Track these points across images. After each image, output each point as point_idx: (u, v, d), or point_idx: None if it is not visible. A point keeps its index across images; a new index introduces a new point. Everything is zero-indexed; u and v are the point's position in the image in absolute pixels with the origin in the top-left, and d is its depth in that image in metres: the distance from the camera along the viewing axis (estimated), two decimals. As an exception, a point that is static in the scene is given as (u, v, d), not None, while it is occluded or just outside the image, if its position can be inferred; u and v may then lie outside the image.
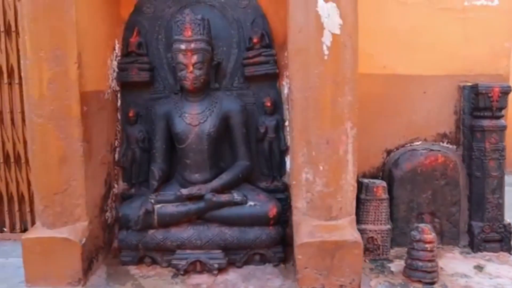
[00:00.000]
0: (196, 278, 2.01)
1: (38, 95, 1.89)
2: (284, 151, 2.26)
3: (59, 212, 1.95)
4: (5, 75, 2.46)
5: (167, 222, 2.05)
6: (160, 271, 2.09)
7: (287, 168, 2.29)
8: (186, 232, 2.05)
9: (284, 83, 2.28)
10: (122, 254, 2.12)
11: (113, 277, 2.04)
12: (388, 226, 2.22)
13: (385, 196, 2.22)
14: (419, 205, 2.32)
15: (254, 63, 2.21)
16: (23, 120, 2.45)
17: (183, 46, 2.03)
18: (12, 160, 2.51)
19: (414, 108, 2.40)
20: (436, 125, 2.41)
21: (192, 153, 2.12)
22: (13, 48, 2.43)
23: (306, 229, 1.89)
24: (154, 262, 2.12)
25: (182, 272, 2.02)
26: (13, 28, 2.40)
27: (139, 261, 2.12)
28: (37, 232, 1.97)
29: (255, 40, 2.20)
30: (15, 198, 2.54)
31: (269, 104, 2.23)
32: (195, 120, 2.12)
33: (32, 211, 2.51)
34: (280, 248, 2.10)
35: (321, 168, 1.87)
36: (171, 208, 2.05)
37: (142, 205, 2.04)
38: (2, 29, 2.38)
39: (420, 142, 2.43)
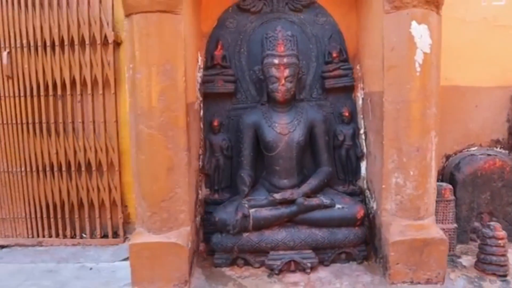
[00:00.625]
0: (291, 277, 2.16)
1: (148, 106, 1.99)
2: (359, 158, 2.46)
3: (166, 218, 2.06)
4: (100, 86, 2.52)
5: (261, 225, 2.19)
6: (254, 271, 2.23)
7: (362, 173, 2.48)
8: (279, 234, 2.20)
9: (358, 94, 2.46)
10: (215, 257, 2.25)
11: (211, 278, 2.16)
12: (455, 225, 2.43)
13: (451, 197, 2.43)
14: (478, 205, 2.55)
15: (334, 76, 2.39)
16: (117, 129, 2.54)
17: (276, 61, 2.19)
18: (93, 168, 2.57)
19: (471, 117, 2.65)
20: (490, 132, 2.66)
21: (282, 160, 2.28)
22: (109, 61, 2.51)
23: (397, 229, 2.07)
24: (246, 263, 2.25)
25: (277, 272, 2.17)
26: (110, 41, 2.48)
27: (232, 263, 2.25)
28: (144, 237, 2.06)
29: (334, 54, 2.38)
30: (96, 205, 2.61)
31: (347, 114, 2.41)
32: (284, 129, 2.27)
33: (112, 217, 2.61)
34: (363, 246, 2.27)
35: (411, 173, 2.06)
36: (265, 212, 2.20)
37: (238, 210, 2.17)
38: (99, 41, 2.46)
39: (476, 148, 2.67)
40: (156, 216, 2.05)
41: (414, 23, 1.98)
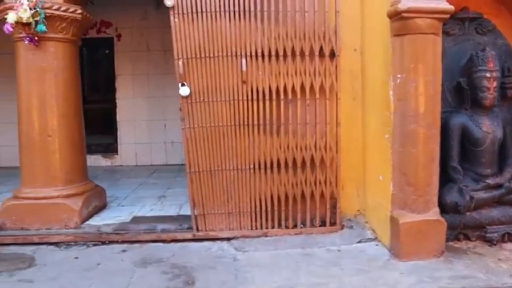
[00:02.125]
0: (508, 246, 2.72)
1: (417, 110, 2.45)
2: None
3: (427, 200, 2.51)
4: (324, 92, 2.83)
5: (479, 205, 2.73)
6: (473, 244, 2.74)
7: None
8: (492, 212, 2.75)
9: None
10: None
11: (447, 250, 2.62)
12: None
13: None
14: None
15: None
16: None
17: (488, 75, 2.75)
18: (317, 164, 2.85)
19: None
20: None
21: (487, 154, 2.83)
22: (330, 70, 2.80)
23: None
24: (465, 237, 2.76)
25: (494, 243, 2.71)
26: (337, 53, 2.81)
27: (454, 238, 2.75)
28: (410, 217, 2.49)
29: (512, 70, 3.03)
30: (317, 197, 2.88)
31: (522, 117, 3.06)
32: (489, 128, 2.83)
33: (326, 208, 2.90)
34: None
35: None
36: (482, 195, 2.73)
37: (464, 194, 2.67)
38: (327, 54, 2.80)
39: None
40: (421, 199, 2.50)
41: None
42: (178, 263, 2.55)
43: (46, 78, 3.00)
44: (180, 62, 2.76)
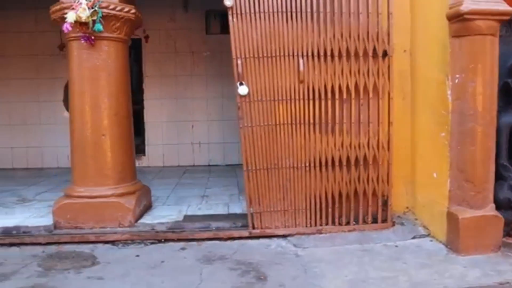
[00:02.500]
0: (557, 240, 2.81)
1: (476, 109, 2.53)
2: None
3: (485, 196, 2.59)
4: (377, 92, 2.89)
5: (530, 202, 2.83)
6: (525, 239, 2.85)
7: None
8: (541, 209, 2.84)
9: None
10: (495, 229, 2.80)
11: (502, 245, 2.68)
12: None
13: None
14: None
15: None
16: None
17: (537, 75, 2.87)
18: (370, 162, 2.91)
19: None
20: None
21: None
22: (383, 70, 2.87)
23: None
24: (516, 233, 2.86)
25: (545, 237, 2.81)
26: (389, 54, 2.88)
27: (506, 234, 2.80)
28: (469, 213, 2.56)
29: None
30: (369, 195, 2.94)
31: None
32: (534, 127, 2.95)
33: (377, 205, 2.96)
34: None
35: None
36: (532, 191, 2.83)
37: (515, 190, 2.77)
38: (380, 54, 2.87)
39: None
40: (479, 195, 2.57)
41: None
42: (242, 260, 2.58)
43: (100, 77, 3.01)
44: (239, 62, 2.81)
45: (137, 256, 2.69)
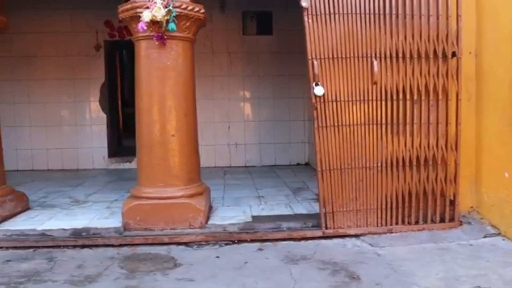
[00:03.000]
0: None
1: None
2: None
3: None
4: (449, 93, 2.93)
5: None
6: None
7: None
8: None
9: None
10: None
11: None
12: None
13: None
14: None
15: None
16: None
17: None
18: (439, 162, 2.95)
19: None
20: None
21: None
22: (451, 72, 2.92)
23: None
24: None
25: None
26: (458, 56, 2.92)
27: None
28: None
29: None
30: (437, 195, 2.97)
31: None
32: None
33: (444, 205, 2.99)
34: None
35: None
36: None
37: None
38: (449, 56, 2.91)
39: None
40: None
41: None
42: (326, 259, 2.59)
43: (170, 77, 3.00)
44: (316, 62, 2.83)
45: (217, 257, 2.67)
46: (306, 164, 5.66)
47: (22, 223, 3.13)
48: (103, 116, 5.46)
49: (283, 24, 5.43)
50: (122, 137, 6.69)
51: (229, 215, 3.24)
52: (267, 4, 5.40)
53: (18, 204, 3.39)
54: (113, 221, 3.10)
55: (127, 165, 5.54)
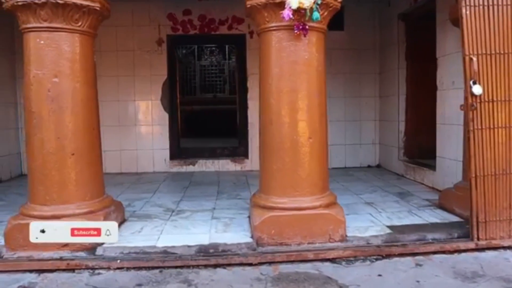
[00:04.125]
0: None
1: None
2: None
3: None
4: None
5: None
6: None
7: None
8: None
9: None
10: None
11: None
12: None
13: None
14: None
15: None
16: None
17: None
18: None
19: None
20: None
21: None
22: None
23: None
24: None
25: None
26: None
27: None
28: None
29: None
30: None
31: None
32: None
33: None
34: None
35: None
36: None
37: None
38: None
39: None
40: None
41: None
42: (503, 276, 2.32)
43: (307, 72, 2.68)
44: (474, 58, 2.58)
45: (379, 275, 2.41)
46: (378, 166, 5.41)
47: (133, 238, 2.76)
48: (165, 115, 5.07)
49: (354, 19, 5.15)
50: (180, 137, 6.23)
51: (360, 225, 2.93)
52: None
53: (119, 215, 3.03)
54: (236, 236, 2.76)
55: (190, 168, 5.17)
